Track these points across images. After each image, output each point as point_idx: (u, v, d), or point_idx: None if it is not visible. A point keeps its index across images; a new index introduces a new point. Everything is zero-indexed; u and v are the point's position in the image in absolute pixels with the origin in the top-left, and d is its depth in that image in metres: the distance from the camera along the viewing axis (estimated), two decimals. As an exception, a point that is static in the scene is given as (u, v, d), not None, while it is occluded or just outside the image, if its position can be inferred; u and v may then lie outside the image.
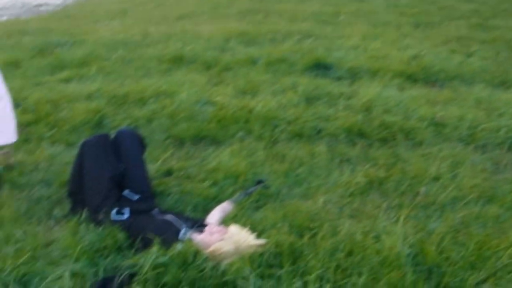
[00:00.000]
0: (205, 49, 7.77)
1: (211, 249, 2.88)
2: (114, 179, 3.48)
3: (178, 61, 7.23)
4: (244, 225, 3.07)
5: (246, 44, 8.18)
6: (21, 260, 2.98)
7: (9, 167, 4.32)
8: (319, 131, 4.76)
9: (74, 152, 4.46)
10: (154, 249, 2.86)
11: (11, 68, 7.00)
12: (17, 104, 5.01)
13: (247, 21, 10.08)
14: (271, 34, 8.53)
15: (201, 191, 3.78)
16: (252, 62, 7.02)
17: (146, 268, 2.77)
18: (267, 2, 12.99)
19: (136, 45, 8.28)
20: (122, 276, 2.81)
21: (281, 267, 2.78)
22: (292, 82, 6.02)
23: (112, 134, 3.82)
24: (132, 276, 2.85)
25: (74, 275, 2.87)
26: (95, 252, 3.07)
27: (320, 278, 2.71)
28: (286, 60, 6.91)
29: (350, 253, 2.88)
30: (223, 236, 2.94)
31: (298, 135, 4.70)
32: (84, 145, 3.62)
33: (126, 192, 3.50)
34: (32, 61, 7.74)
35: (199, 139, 4.72)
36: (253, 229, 3.04)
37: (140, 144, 3.77)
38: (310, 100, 5.44)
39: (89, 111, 5.20)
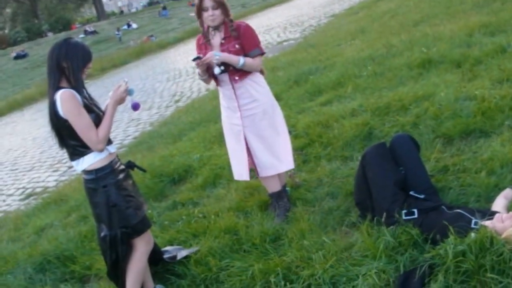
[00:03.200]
0: (450, 48, 7.66)
1: (505, 235, 2.92)
2: (398, 183, 3.68)
3: (426, 64, 7.26)
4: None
5: (491, 35, 7.88)
6: (328, 264, 3.37)
7: (296, 187, 4.84)
8: None
9: (351, 165, 4.87)
10: (451, 239, 2.99)
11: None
12: (288, 132, 5.54)
13: (486, 12, 9.66)
14: (515, 20, 8.09)
15: (480, 182, 3.84)
16: (502, 50, 6.75)
17: (447, 258, 2.90)
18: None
19: (383, 58, 8.49)
20: (423, 268, 3.00)
21: None
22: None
23: (388, 142, 4.06)
24: (431, 267, 3.03)
25: (377, 272, 3.14)
26: (392, 250, 3.31)
27: None
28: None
29: None
30: (515, 222, 2.97)
31: None
32: (365, 156, 3.91)
33: (411, 193, 3.67)
34: (290, 91, 8.46)
35: (466, 133, 4.75)
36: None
37: (415, 146, 3.93)
38: None
39: (357, 126, 5.54)
